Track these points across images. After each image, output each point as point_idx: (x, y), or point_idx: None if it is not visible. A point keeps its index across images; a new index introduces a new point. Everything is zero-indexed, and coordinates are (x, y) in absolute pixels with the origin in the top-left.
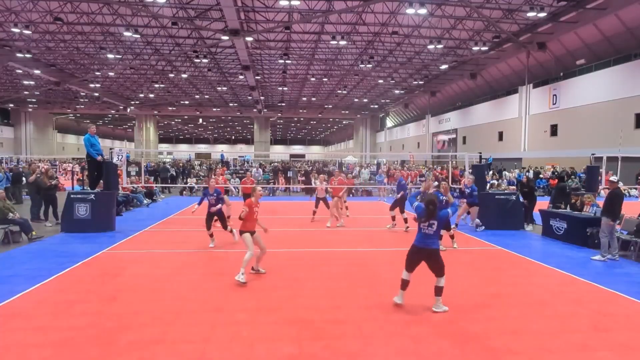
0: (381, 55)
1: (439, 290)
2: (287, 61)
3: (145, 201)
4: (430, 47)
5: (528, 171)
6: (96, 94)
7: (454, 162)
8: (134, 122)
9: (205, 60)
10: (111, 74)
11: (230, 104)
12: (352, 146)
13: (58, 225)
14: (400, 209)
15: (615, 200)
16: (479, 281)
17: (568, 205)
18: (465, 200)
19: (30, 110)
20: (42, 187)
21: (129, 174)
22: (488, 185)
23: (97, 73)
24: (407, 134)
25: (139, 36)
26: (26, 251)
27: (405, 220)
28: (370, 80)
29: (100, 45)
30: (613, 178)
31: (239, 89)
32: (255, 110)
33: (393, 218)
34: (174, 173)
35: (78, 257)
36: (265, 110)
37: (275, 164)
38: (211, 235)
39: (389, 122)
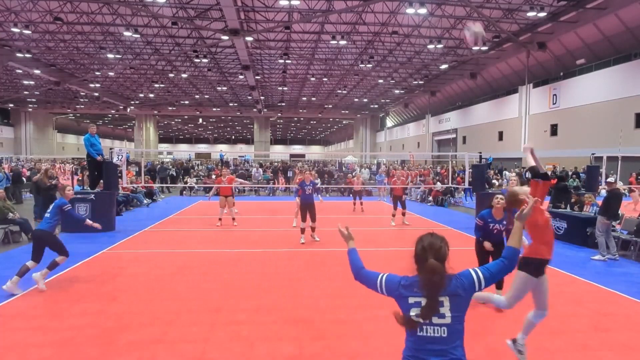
0: (381, 55)
1: None
2: (287, 61)
3: (145, 201)
4: (430, 46)
5: (527, 170)
6: (96, 94)
7: (454, 162)
8: (134, 122)
9: (205, 60)
10: (111, 73)
11: (230, 104)
12: (352, 146)
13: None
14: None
15: (612, 200)
16: None
17: (568, 205)
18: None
19: (30, 110)
20: (41, 187)
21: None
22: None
23: (97, 73)
24: (407, 134)
25: (138, 36)
26: (26, 251)
27: (313, 229)
28: (370, 80)
29: (100, 45)
30: (611, 179)
31: (239, 88)
32: (255, 110)
33: (302, 231)
34: (174, 173)
35: (78, 257)
36: (265, 110)
37: (276, 164)
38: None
39: (389, 122)
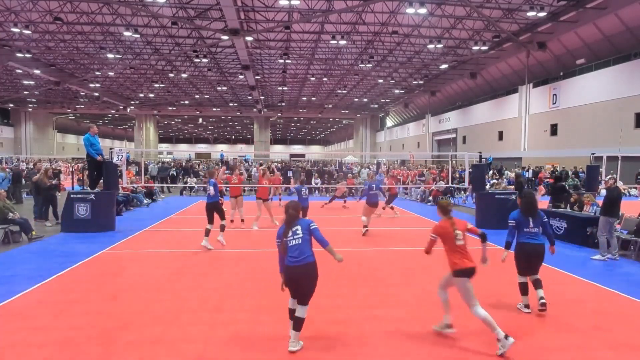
0: (381, 54)
1: None
2: (287, 61)
3: (145, 201)
4: (430, 46)
5: (527, 170)
6: (96, 94)
7: (454, 161)
8: (134, 122)
9: (205, 60)
10: (111, 73)
11: (230, 104)
12: (352, 146)
13: (58, 225)
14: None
15: (613, 199)
16: (479, 280)
17: (568, 205)
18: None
19: (30, 110)
20: (42, 187)
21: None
22: (488, 185)
23: (97, 73)
24: (407, 134)
25: (138, 36)
26: (26, 251)
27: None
28: (370, 79)
29: (100, 45)
30: (607, 177)
31: (239, 88)
32: (255, 110)
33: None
34: (174, 172)
35: (78, 257)
36: (265, 110)
37: (275, 164)
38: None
39: (389, 122)
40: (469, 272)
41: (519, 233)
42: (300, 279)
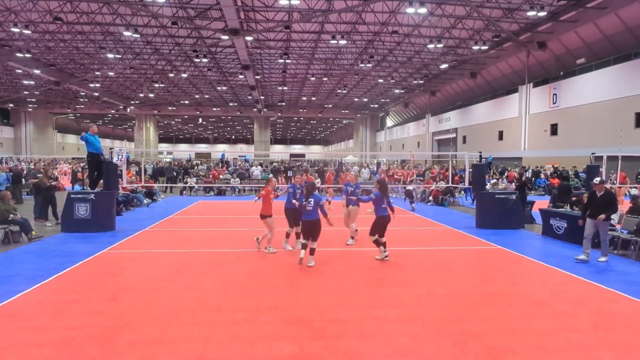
0: (381, 54)
1: None
2: (287, 61)
3: (145, 201)
4: (430, 46)
5: (527, 170)
6: (96, 94)
7: (454, 161)
8: (134, 122)
9: (205, 60)
10: (111, 73)
11: (230, 104)
12: (352, 146)
13: (58, 225)
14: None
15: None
16: (479, 280)
17: (569, 205)
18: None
19: (30, 110)
20: (41, 187)
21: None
22: (489, 184)
23: (97, 73)
24: (407, 134)
25: (138, 36)
26: (26, 251)
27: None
28: (370, 79)
29: (100, 45)
30: (596, 180)
31: (239, 88)
32: (255, 109)
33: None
34: (175, 173)
35: (78, 257)
36: (265, 109)
37: (275, 164)
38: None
39: (389, 122)
40: (265, 216)
41: (377, 207)
42: (311, 227)
